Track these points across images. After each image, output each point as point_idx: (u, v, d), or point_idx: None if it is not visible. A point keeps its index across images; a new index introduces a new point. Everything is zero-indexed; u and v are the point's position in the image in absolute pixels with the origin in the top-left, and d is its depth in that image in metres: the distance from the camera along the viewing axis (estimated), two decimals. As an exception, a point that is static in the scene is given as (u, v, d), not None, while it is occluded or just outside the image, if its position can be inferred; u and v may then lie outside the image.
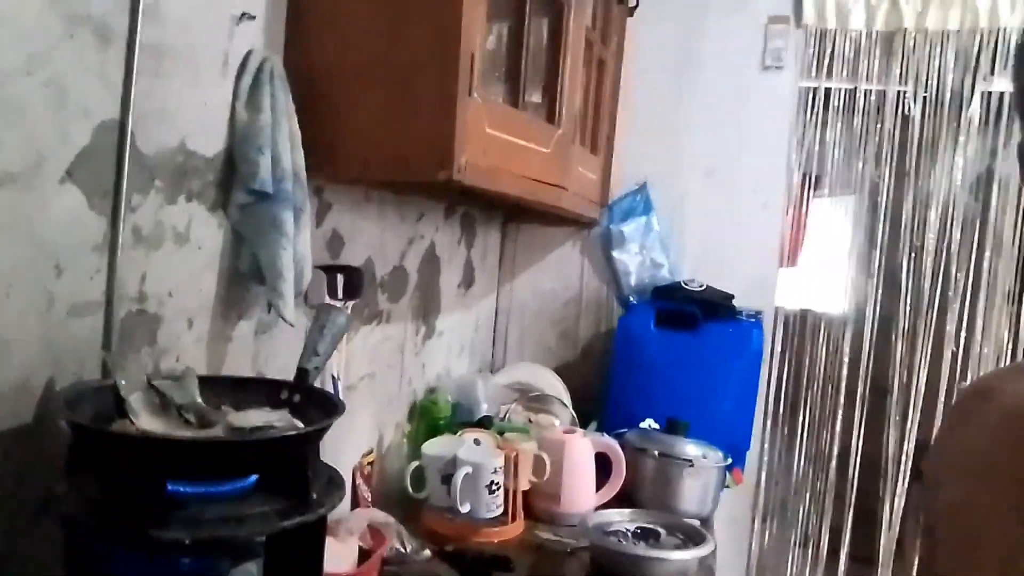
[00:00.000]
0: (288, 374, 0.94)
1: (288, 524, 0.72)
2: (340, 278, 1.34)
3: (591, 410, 2.14)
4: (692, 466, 1.79)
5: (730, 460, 1.86)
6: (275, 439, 0.75)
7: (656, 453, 1.80)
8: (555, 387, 2.16)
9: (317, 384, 1.01)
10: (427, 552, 1.47)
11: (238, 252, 1.14)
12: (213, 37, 1.06)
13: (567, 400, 2.13)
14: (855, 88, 2.15)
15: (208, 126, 1.06)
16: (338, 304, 1.33)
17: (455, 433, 1.74)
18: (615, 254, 2.29)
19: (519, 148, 1.32)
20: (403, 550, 1.44)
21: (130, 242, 0.94)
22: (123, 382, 0.83)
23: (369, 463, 1.64)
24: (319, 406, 0.86)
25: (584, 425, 2.03)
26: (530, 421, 2.05)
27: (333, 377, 1.34)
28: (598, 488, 1.76)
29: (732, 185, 2.24)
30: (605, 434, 1.84)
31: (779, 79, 2.20)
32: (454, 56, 1.11)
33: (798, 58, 2.18)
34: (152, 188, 0.98)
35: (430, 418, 1.83)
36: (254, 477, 0.75)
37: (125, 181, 0.92)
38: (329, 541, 1.37)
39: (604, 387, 2.18)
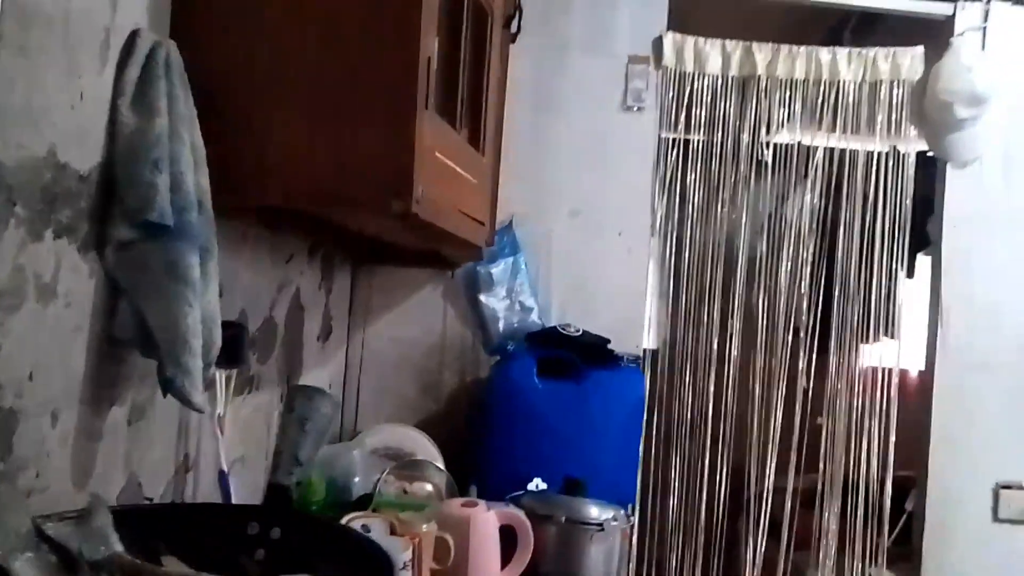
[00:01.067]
0: (161, 475, 0.65)
1: None
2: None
3: (467, 473, 1.92)
4: (602, 530, 1.63)
5: (634, 520, 1.73)
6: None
7: (562, 519, 1.63)
8: (427, 449, 1.91)
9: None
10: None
11: (112, 309, 0.81)
12: (90, 1, 0.74)
13: (441, 463, 1.89)
14: (712, 137, 2.18)
15: (83, 131, 0.74)
16: (224, 375, 1.02)
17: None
18: (482, 298, 2.11)
19: (456, 177, 1.10)
20: None
21: (-20, 302, 0.61)
22: (-5, 536, 0.50)
23: None
24: (316, 542, 0.58)
25: (462, 489, 1.81)
26: (405, 492, 1.78)
27: (222, 472, 1.02)
28: (503, 565, 1.55)
29: (597, 226, 2.16)
30: (509, 503, 1.63)
31: (641, 121, 2.16)
32: (412, 60, 0.88)
33: (658, 100, 2.16)
34: (11, 217, 0.64)
35: (302, 502, 1.51)
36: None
37: (-23, 206, 0.59)
38: None
39: (480, 445, 1.97)
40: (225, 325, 1.07)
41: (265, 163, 0.88)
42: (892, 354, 2.25)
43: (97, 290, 0.79)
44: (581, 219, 2.16)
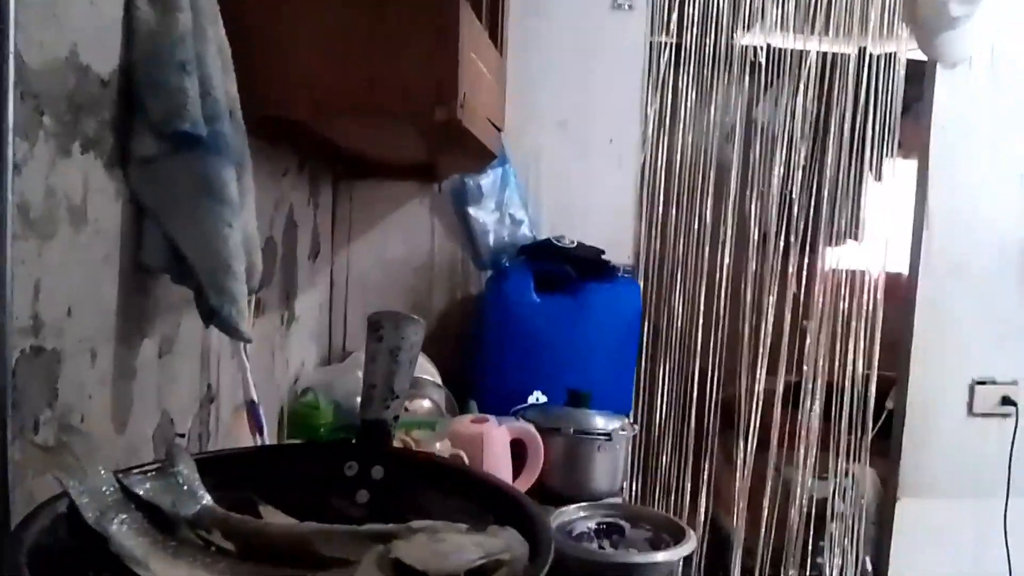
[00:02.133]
0: (188, 409, 0.60)
1: None
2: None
3: (463, 389, 1.89)
4: (609, 439, 1.63)
5: (637, 427, 1.73)
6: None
7: (571, 431, 1.62)
8: (423, 367, 1.87)
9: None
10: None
11: (139, 233, 0.73)
12: None
13: (439, 380, 1.85)
14: (704, 39, 2.10)
15: (101, 28, 0.64)
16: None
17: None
18: (471, 211, 2.03)
19: (483, 79, 1.02)
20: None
21: (19, 229, 0.52)
22: (84, 499, 0.44)
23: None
24: (424, 481, 0.53)
25: (461, 406, 1.79)
26: (405, 409, 1.75)
27: (252, 403, 0.95)
28: (513, 479, 1.55)
29: (587, 136, 2.09)
30: (519, 416, 1.61)
31: (630, 21, 2.06)
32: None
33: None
34: (40, 130, 0.55)
35: (308, 427, 1.46)
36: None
37: (10, 115, 0.49)
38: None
39: (477, 361, 1.93)
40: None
41: (291, 72, 0.79)
42: (872, 258, 2.26)
43: (124, 213, 0.70)
44: (570, 129, 2.08)
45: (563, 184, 2.09)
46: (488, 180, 2.02)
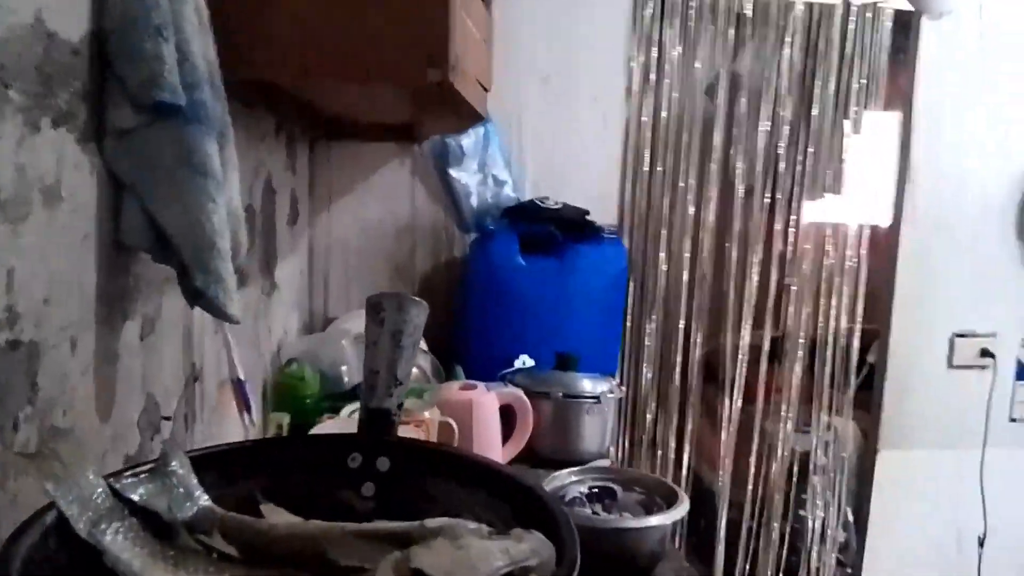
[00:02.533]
0: (173, 390, 0.57)
1: None
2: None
3: (448, 354, 1.87)
4: (598, 403, 1.62)
5: (624, 388, 1.72)
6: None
7: (560, 394, 1.61)
8: (409, 333, 1.84)
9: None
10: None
11: (118, 210, 0.68)
12: None
13: (424, 346, 1.83)
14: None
15: (67, -10, 0.59)
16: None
17: (322, 413, 1.38)
18: (453, 173, 1.98)
19: (475, 42, 0.97)
20: None
21: (-12, 215, 0.48)
22: (74, 510, 0.41)
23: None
24: (433, 473, 0.51)
25: (447, 371, 1.77)
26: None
27: (239, 381, 0.92)
28: (502, 444, 1.54)
29: (570, 93, 2.04)
30: (507, 381, 1.59)
31: (614, -28, 2.00)
32: None
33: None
34: (7, 105, 0.51)
35: (294, 398, 1.43)
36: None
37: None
38: None
39: (462, 326, 1.91)
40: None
41: (275, 33, 0.74)
42: (853, 211, 2.25)
43: (100, 189, 0.66)
44: (554, 84, 2.03)
45: (546, 142, 2.04)
46: (470, 140, 1.97)
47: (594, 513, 1.28)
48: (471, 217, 2.02)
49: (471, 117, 1.15)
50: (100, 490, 0.43)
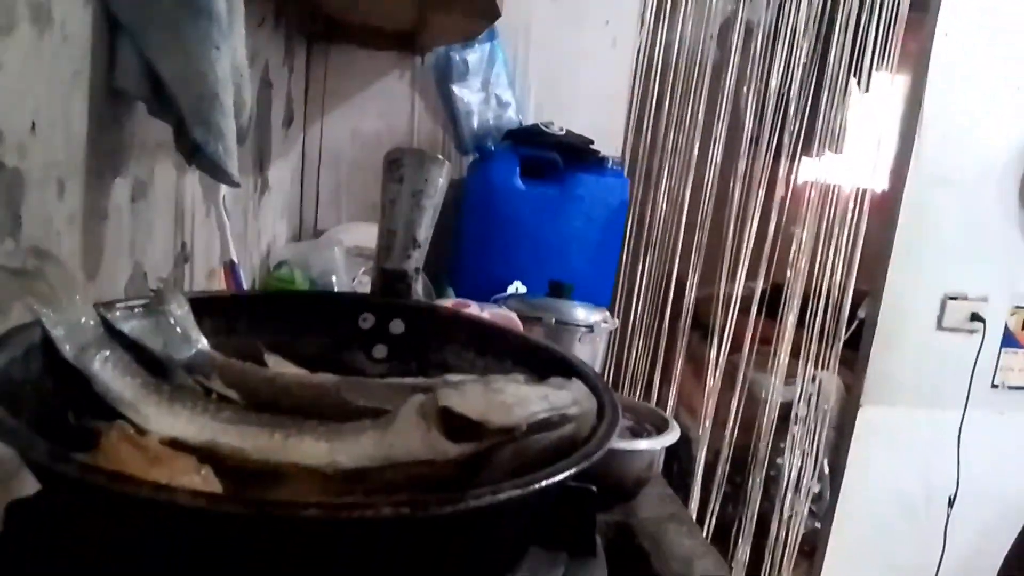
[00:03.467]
0: (162, 266, 0.53)
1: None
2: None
3: (440, 275, 1.83)
4: (591, 331, 1.59)
5: (618, 321, 1.70)
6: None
7: (553, 321, 1.58)
8: (400, 251, 1.79)
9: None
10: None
11: (112, 52, 0.63)
12: None
13: (416, 265, 1.78)
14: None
15: None
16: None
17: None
18: (455, 89, 1.91)
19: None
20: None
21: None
22: (60, 332, 0.36)
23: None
24: (451, 337, 0.47)
25: (437, 291, 1.73)
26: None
27: (232, 263, 0.87)
28: (493, 368, 1.51)
29: (581, 13, 1.96)
30: (500, 303, 1.56)
31: None
32: None
33: None
34: None
35: (282, 302, 1.38)
36: None
37: None
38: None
39: (456, 248, 1.86)
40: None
41: None
42: (853, 170, 2.22)
43: (95, 25, 0.60)
44: (563, 3, 1.95)
45: (553, 62, 1.97)
46: (475, 56, 1.90)
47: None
48: (471, 137, 1.95)
49: (482, 11, 1.09)
50: (90, 317, 0.39)
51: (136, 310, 0.42)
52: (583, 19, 1.96)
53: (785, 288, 2.19)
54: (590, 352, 1.65)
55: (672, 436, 1.23)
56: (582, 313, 1.62)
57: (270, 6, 1.32)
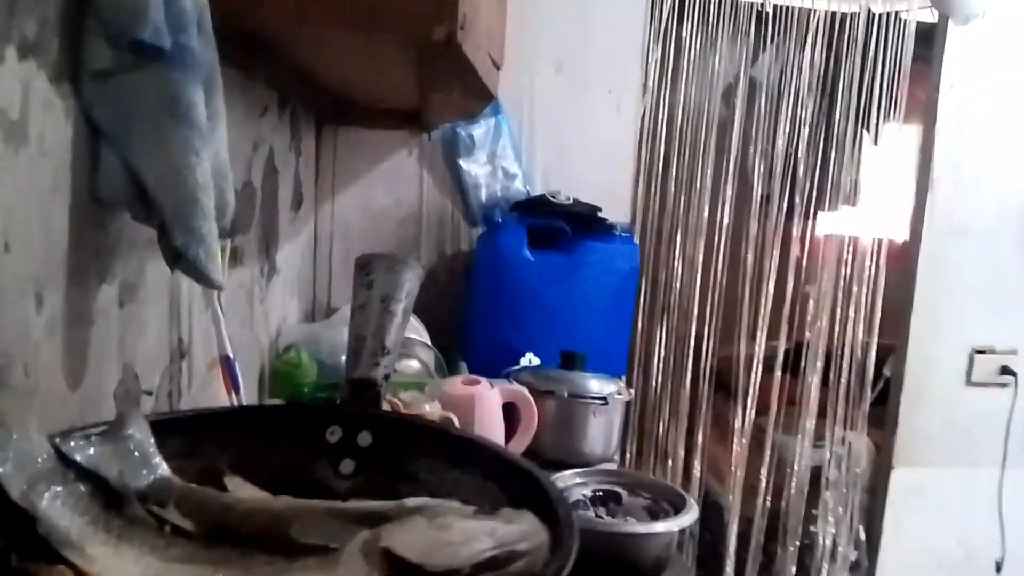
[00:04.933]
0: (157, 363, 0.52)
1: None
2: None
3: (452, 349, 1.82)
4: (605, 404, 1.56)
5: (633, 392, 1.67)
6: None
7: (565, 394, 1.55)
8: (411, 325, 1.78)
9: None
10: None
11: (95, 160, 0.63)
12: None
13: (427, 339, 1.77)
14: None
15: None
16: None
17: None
18: (462, 163, 1.93)
19: (484, 5, 0.92)
20: None
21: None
22: (7, 468, 0.35)
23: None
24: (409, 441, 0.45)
25: (450, 367, 1.71)
26: (394, 371, 1.67)
27: (228, 358, 0.87)
28: (506, 441, 1.48)
29: (584, 83, 1.98)
30: (512, 380, 1.54)
31: (633, -38, 1.95)
32: None
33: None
34: (-38, 23, 0.45)
35: (290, 383, 1.38)
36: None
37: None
38: None
39: (467, 321, 1.85)
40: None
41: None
42: (869, 223, 2.19)
43: (76, 135, 0.61)
44: (566, 74, 1.98)
45: (558, 132, 1.99)
46: (480, 131, 1.93)
47: (597, 516, 1.22)
48: (479, 209, 1.96)
49: (480, 94, 1.10)
50: (42, 449, 0.38)
51: (93, 437, 0.41)
52: (586, 88, 1.98)
53: (805, 347, 2.15)
54: (606, 424, 1.61)
55: (690, 516, 1.19)
56: (595, 385, 1.59)
57: (273, 94, 1.35)
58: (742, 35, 2.04)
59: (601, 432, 1.60)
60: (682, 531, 1.27)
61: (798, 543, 2.19)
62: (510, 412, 1.51)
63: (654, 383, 2.14)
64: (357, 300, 0.51)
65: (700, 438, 2.18)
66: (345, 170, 1.93)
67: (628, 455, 2.15)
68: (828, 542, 2.19)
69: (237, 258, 1.15)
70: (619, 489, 1.29)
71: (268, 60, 1.10)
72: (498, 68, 1.15)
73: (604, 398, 1.56)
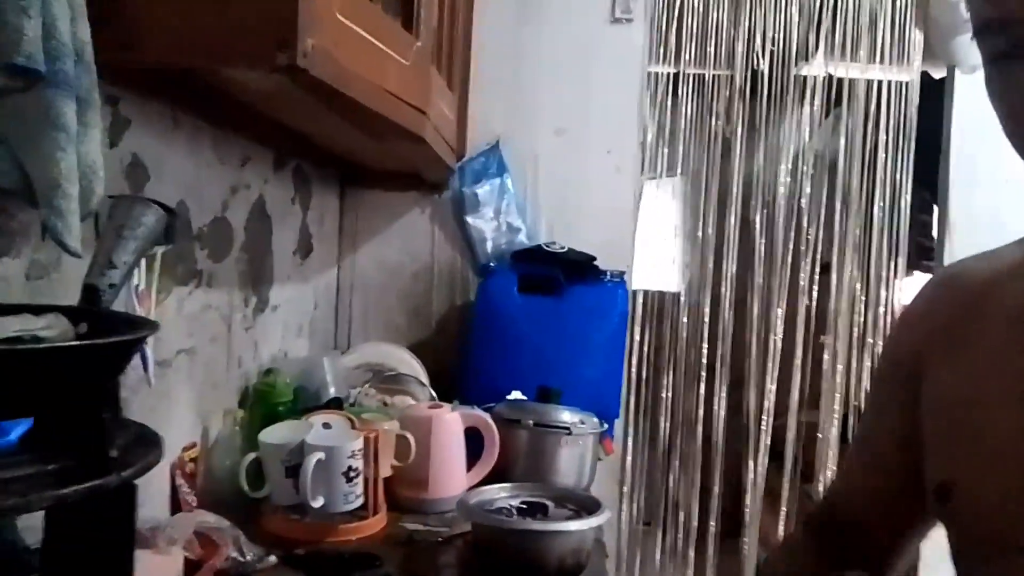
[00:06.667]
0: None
1: (72, 492, 0.45)
2: (147, 214, 1.04)
3: (449, 388, 1.93)
4: (570, 434, 1.62)
5: (606, 426, 1.71)
6: (44, 352, 0.47)
7: (531, 423, 1.62)
8: (411, 365, 1.93)
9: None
10: (272, 558, 1.20)
11: (-3, 160, 0.83)
12: None
13: (425, 379, 1.90)
14: (705, 49, 2.10)
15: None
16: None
17: (299, 418, 1.47)
18: (469, 220, 2.10)
19: (374, 50, 1.09)
20: (242, 558, 1.16)
21: None
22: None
23: (191, 459, 1.33)
24: (118, 333, 0.58)
25: (447, 400, 1.82)
26: (385, 404, 1.81)
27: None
28: (468, 468, 1.56)
29: (584, 145, 2.12)
30: (474, 407, 1.63)
31: (629, 32, 2.10)
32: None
33: (647, 12, 2.10)
34: None
35: (267, 403, 1.53)
36: (18, 426, 0.48)
37: None
38: (145, 554, 1.08)
39: (463, 362, 1.97)
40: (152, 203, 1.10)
41: (143, 16, 0.88)
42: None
43: (-27, 137, 0.81)
44: (567, 137, 2.12)
45: (560, 191, 2.12)
46: (485, 189, 2.09)
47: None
48: (486, 261, 2.11)
49: (398, 134, 1.26)
50: None
51: None
52: (586, 149, 2.12)
53: (819, 396, 2.11)
54: (576, 456, 1.67)
55: (598, 519, 1.24)
56: (566, 416, 1.66)
57: (261, 149, 1.56)
58: (739, 95, 2.12)
59: (573, 463, 1.66)
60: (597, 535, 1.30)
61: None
62: (479, 440, 1.60)
63: (663, 433, 2.16)
64: (100, 230, 0.66)
65: (717, 493, 2.15)
66: (366, 227, 2.14)
67: (635, 505, 2.15)
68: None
69: (202, 279, 1.34)
70: (546, 501, 1.35)
71: (241, 119, 1.32)
72: (422, 112, 1.31)
73: (567, 427, 1.63)
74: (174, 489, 1.26)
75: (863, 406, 2.09)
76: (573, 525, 1.22)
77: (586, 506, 1.31)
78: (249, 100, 1.21)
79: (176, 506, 1.25)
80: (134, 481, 0.57)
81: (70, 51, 0.82)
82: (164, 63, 0.93)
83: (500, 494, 1.35)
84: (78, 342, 0.49)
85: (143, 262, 1.05)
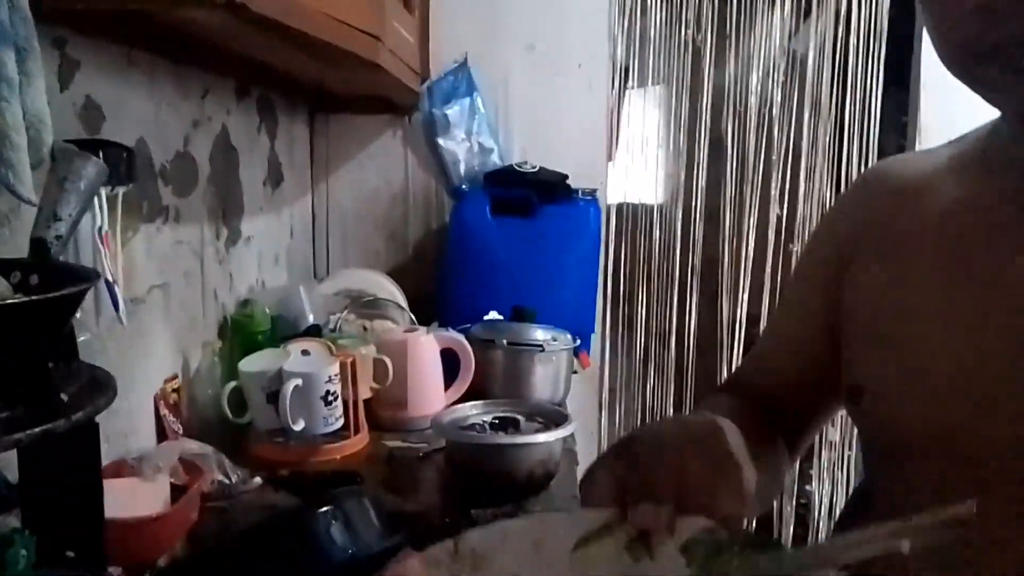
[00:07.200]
0: None
1: (24, 436, 0.49)
2: (101, 157, 1.05)
3: (429, 312, 1.97)
4: (543, 351, 1.67)
5: (579, 342, 1.76)
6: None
7: (504, 342, 1.67)
8: (389, 290, 1.96)
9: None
10: (257, 480, 1.26)
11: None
12: None
13: (403, 303, 1.94)
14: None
15: None
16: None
17: (278, 347, 1.51)
18: (441, 142, 2.09)
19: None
20: (228, 481, 1.23)
21: None
22: None
23: (174, 390, 1.38)
24: (67, 285, 0.61)
25: (425, 323, 1.87)
26: (365, 329, 1.85)
27: (108, 282, 1.06)
28: (446, 387, 1.62)
29: (555, 61, 2.10)
30: (449, 328, 1.68)
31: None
32: None
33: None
34: None
35: (245, 333, 1.58)
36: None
37: None
38: (134, 482, 1.14)
39: (439, 285, 2.01)
40: (109, 145, 1.11)
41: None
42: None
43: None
44: (538, 53, 2.10)
45: (532, 110, 2.11)
46: (455, 110, 2.08)
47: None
48: (459, 184, 2.12)
49: (352, 62, 1.26)
50: None
51: None
52: (557, 65, 2.10)
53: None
54: (552, 371, 1.72)
55: (565, 430, 1.30)
56: (539, 335, 1.71)
57: (221, 80, 1.55)
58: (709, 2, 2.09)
59: (547, 379, 1.71)
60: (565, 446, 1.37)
61: (795, 503, 2.20)
62: (457, 361, 1.65)
63: (638, 346, 2.22)
64: (43, 182, 0.68)
65: (690, 395, 2.23)
66: (338, 154, 2.14)
67: (616, 416, 2.23)
68: (825, 501, 2.18)
69: (169, 215, 1.35)
70: (518, 416, 1.40)
71: (198, 52, 1.30)
72: (376, 38, 1.30)
73: (540, 345, 1.68)
74: (159, 420, 1.32)
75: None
76: (540, 437, 1.27)
77: (555, 419, 1.37)
78: (204, 35, 1.20)
79: (163, 436, 1.31)
80: (95, 419, 0.62)
81: (3, 1, 0.82)
82: (105, 6, 0.92)
83: (474, 411, 1.41)
84: (14, 300, 0.52)
85: (105, 203, 1.07)
